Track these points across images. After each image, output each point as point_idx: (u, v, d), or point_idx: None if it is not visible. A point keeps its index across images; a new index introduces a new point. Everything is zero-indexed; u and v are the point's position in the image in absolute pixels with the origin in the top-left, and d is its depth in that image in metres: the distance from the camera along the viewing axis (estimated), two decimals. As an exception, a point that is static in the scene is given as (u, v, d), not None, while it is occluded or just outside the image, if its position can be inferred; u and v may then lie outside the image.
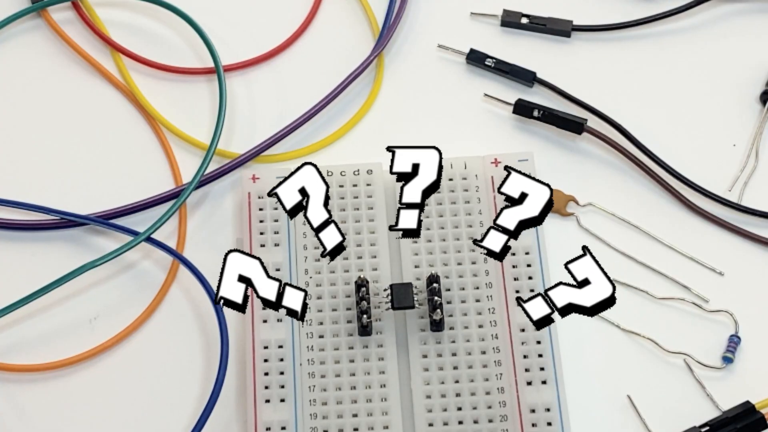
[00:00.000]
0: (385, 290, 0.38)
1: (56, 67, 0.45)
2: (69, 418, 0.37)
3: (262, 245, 0.40)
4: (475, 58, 0.44)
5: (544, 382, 0.37)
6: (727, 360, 0.38)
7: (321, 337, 0.38)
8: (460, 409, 0.36)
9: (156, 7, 0.45)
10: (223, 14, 0.46)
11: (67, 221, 0.41)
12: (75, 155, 0.43)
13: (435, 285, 0.38)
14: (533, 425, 0.36)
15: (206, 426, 0.36)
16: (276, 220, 0.40)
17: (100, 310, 0.39)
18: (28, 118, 0.44)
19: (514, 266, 0.39)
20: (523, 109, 0.42)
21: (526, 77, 0.43)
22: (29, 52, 0.45)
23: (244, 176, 0.41)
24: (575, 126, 0.42)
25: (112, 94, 0.44)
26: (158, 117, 0.43)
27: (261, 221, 0.40)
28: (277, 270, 0.39)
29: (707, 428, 0.37)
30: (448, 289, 0.39)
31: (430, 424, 0.36)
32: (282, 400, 0.37)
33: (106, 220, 0.40)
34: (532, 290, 0.38)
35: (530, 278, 0.39)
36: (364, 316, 0.37)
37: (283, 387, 0.37)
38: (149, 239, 0.40)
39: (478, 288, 0.38)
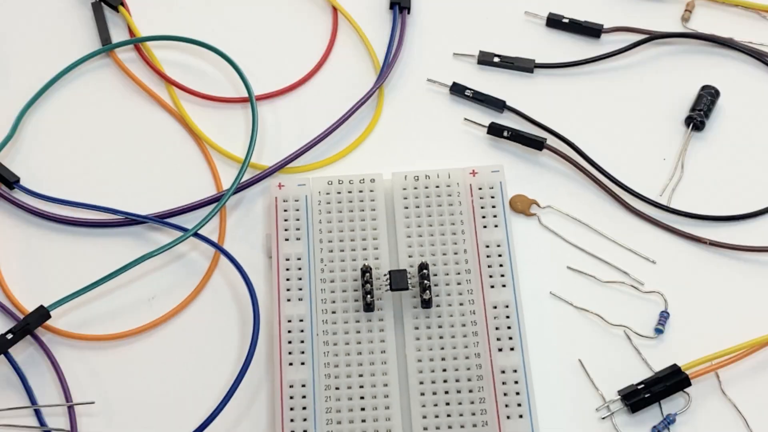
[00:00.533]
0: (384, 275, 0.38)
1: (122, 97, 0.45)
2: (132, 377, 0.38)
3: (287, 239, 0.40)
4: (457, 90, 0.43)
5: (512, 349, 0.37)
6: (659, 331, 0.38)
7: (333, 312, 0.38)
8: (444, 370, 0.36)
9: (202, 49, 0.45)
10: (255, 54, 0.45)
11: (131, 220, 0.41)
12: (137, 167, 0.43)
13: (425, 271, 0.38)
14: (503, 383, 0.36)
15: (242, 384, 0.36)
16: (297, 219, 0.40)
17: (157, 291, 0.39)
18: (101, 139, 0.44)
19: (488, 256, 0.39)
20: (495, 130, 0.42)
21: (498, 105, 0.43)
22: (100, 84, 0.45)
23: (272, 184, 0.41)
24: (537, 144, 0.41)
25: (166, 118, 0.44)
26: (203, 136, 0.43)
27: (285, 220, 0.40)
28: (298, 259, 0.40)
29: (642, 385, 0.37)
30: (435, 275, 0.38)
31: (421, 383, 0.36)
32: (302, 363, 0.37)
33: (161, 219, 0.41)
34: (502, 275, 0.39)
35: (501, 266, 0.39)
36: (368, 296, 0.38)
37: (303, 353, 0.37)
38: (196, 234, 0.39)
39: (459, 273, 0.38)
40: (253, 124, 0.42)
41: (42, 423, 0.37)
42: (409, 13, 0.47)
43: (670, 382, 0.36)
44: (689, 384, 0.36)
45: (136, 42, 0.45)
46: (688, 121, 0.43)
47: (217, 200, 0.40)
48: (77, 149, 0.44)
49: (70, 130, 0.45)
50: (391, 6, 0.46)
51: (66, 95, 0.46)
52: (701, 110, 0.43)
